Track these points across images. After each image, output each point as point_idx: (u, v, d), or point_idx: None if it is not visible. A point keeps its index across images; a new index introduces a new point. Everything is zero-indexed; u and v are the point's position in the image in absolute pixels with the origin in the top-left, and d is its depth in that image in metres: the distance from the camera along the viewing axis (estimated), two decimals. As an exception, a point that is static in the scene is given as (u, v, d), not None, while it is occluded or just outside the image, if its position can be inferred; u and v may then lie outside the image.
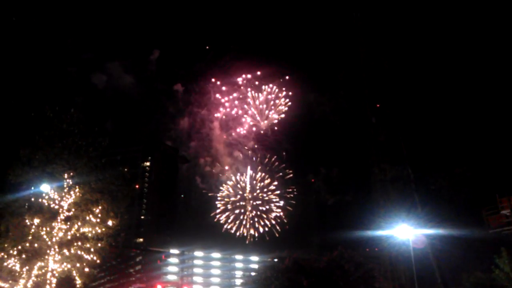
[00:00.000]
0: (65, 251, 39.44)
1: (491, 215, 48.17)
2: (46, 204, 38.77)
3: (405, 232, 51.43)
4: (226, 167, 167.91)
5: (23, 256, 38.90)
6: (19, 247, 38.64)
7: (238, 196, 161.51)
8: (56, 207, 39.04)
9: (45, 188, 38.46)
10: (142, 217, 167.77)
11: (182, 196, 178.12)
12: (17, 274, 39.42)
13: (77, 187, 39.70)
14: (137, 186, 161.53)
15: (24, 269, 39.31)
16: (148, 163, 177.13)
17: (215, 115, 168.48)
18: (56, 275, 39.08)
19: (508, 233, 48.65)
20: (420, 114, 59.74)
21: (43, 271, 38.97)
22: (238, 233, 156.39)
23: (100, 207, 40.46)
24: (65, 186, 39.53)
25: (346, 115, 64.61)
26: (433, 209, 54.16)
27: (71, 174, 39.68)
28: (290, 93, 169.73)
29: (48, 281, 38.32)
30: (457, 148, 60.18)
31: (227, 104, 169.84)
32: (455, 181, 55.15)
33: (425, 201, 55.60)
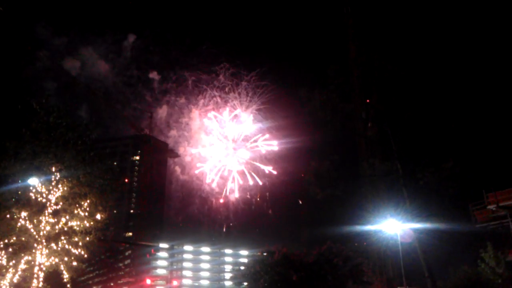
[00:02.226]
0: (53, 245, 39.11)
1: (477, 210, 48.77)
2: (34, 197, 38.35)
3: (393, 227, 51.94)
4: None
5: (10, 250, 38.50)
6: (6, 240, 38.23)
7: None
8: (44, 200, 38.64)
9: (34, 181, 38.00)
10: (132, 211, 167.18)
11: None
12: (3, 268, 39.04)
13: (65, 180, 39.26)
14: (126, 180, 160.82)
15: (11, 263, 38.92)
16: (137, 157, 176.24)
17: (193, 107, 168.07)
18: (44, 269, 38.73)
19: (494, 228, 49.34)
20: (409, 110, 60.05)
21: (30, 265, 38.63)
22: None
23: (88, 201, 40.13)
24: (52, 179, 39.11)
25: (336, 110, 64.67)
26: (421, 204, 54.64)
27: (59, 167, 39.21)
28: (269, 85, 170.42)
29: (35, 275, 37.98)
30: (446, 143, 60.68)
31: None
32: (443, 176, 55.57)
33: (413, 196, 56.06)
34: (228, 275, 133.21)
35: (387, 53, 61.40)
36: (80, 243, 40.35)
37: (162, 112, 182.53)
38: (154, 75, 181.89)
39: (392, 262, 74.17)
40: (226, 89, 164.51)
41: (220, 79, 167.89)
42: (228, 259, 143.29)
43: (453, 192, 55.22)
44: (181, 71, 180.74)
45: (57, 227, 39.19)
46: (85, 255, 41.03)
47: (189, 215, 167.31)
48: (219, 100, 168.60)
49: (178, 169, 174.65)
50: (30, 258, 38.66)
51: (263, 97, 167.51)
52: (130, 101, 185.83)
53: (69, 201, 39.45)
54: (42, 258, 38.50)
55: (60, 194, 39.19)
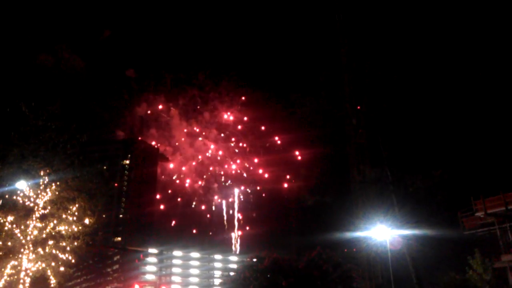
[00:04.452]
0: (40, 249, 38.70)
1: (466, 217, 49.22)
2: (21, 201, 37.94)
3: (382, 233, 52.12)
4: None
5: (-5, 254, 37.97)
6: (-9, 245, 37.69)
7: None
8: (31, 204, 38.24)
9: (21, 185, 37.60)
10: (121, 215, 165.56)
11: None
12: (-11, 273, 38.43)
13: (53, 184, 38.97)
14: (116, 184, 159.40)
15: (-4, 268, 38.37)
16: (127, 161, 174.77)
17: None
18: (30, 274, 38.26)
19: (481, 235, 49.79)
20: (400, 117, 60.56)
21: (16, 270, 38.10)
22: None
23: (77, 205, 39.85)
24: (41, 183, 38.75)
25: (326, 116, 64.95)
26: (410, 211, 54.96)
27: (47, 171, 38.89)
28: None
29: (21, 281, 37.48)
30: (435, 151, 61.29)
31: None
32: (432, 183, 56.00)
33: (402, 203, 56.35)
34: (217, 281, 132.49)
35: (378, 59, 61.89)
36: (68, 248, 39.97)
37: (141, 110, 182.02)
38: (131, 73, 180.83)
39: (381, 268, 74.33)
40: (207, 89, 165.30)
41: (199, 78, 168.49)
42: (217, 264, 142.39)
43: (442, 199, 55.64)
44: (159, 69, 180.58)
45: (44, 231, 38.79)
46: (73, 260, 40.65)
47: (178, 220, 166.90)
48: (199, 99, 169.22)
49: (165, 172, 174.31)
50: (16, 263, 38.14)
51: (244, 99, 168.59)
52: (107, 100, 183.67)
53: (57, 205, 39.12)
54: (28, 263, 38.02)
55: (48, 198, 38.83)
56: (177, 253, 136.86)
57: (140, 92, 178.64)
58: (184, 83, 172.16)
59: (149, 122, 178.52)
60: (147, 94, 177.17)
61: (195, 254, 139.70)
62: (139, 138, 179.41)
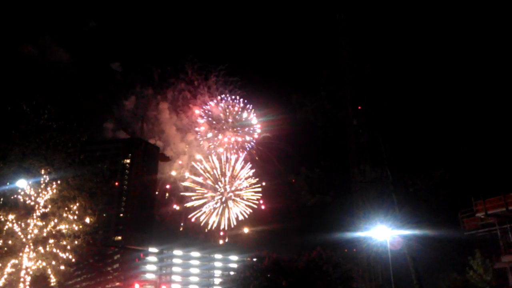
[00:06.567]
0: (40, 248, 38.70)
1: (466, 217, 49.19)
2: (22, 200, 37.93)
3: (382, 233, 52.13)
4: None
5: (-4, 253, 37.98)
6: (-8, 243, 37.70)
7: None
8: (32, 203, 38.23)
9: (22, 183, 37.59)
10: (121, 214, 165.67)
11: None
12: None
13: (54, 183, 38.96)
14: (116, 183, 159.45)
15: (-3, 267, 38.39)
16: (128, 160, 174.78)
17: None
18: (31, 273, 38.28)
19: (482, 235, 49.76)
20: (400, 117, 60.54)
21: (17, 269, 38.11)
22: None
23: (77, 204, 39.82)
24: (41, 182, 38.76)
25: (327, 117, 64.94)
26: (411, 211, 54.97)
27: (48, 170, 38.88)
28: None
29: (22, 279, 37.50)
30: (436, 151, 61.21)
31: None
32: (433, 183, 55.97)
33: (403, 203, 56.33)
34: (217, 280, 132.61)
35: (379, 60, 61.89)
36: (69, 247, 39.97)
37: (129, 104, 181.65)
38: (116, 66, 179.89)
39: (381, 268, 74.37)
40: (196, 83, 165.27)
41: (188, 72, 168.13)
42: (217, 264, 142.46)
43: (443, 199, 55.63)
44: (147, 63, 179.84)
45: (45, 230, 38.78)
46: (73, 259, 40.66)
47: (177, 218, 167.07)
48: (188, 95, 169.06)
49: (166, 171, 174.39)
50: (16, 261, 38.14)
51: (235, 94, 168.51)
52: (90, 90, 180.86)
53: (58, 204, 39.10)
54: (29, 261, 38.04)
55: (48, 197, 38.82)
56: (177, 252, 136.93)
57: (127, 84, 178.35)
58: (172, 77, 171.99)
59: (138, 115, 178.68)
60: (134, 86, 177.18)
61: (195, 254, 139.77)
62: (141, 138, 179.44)
